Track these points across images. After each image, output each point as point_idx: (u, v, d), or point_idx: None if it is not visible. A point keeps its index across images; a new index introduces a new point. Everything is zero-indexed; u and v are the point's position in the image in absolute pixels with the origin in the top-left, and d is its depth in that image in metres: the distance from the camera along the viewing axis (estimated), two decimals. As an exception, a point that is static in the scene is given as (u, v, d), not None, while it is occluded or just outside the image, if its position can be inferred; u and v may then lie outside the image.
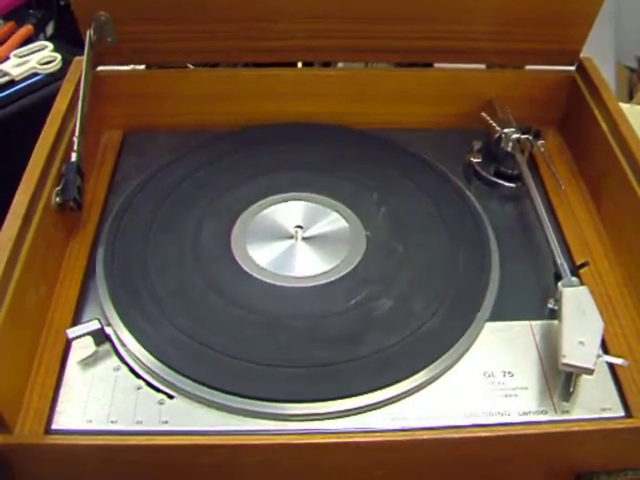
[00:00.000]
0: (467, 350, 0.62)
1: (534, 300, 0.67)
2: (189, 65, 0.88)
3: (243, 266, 0.68)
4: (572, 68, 0.85)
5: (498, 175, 0.78)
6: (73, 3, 0.76)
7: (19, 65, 1.00)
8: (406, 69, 0.87)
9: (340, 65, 0.94)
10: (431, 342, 0.62)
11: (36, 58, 1.02)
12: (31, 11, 1.33)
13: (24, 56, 1.02)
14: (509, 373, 0.61)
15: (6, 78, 0.98)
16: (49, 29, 1.31)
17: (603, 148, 0.75)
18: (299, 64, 0.92)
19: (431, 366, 0.60)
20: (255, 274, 0.68)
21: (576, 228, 0.75)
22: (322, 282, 0.67)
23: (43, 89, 0.97)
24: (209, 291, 0.66)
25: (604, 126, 0.76)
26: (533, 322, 0.65)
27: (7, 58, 1.01)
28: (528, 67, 0.86)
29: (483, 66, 0.87)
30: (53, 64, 1.01)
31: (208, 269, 0.68)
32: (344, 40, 0.82)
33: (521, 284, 0.68)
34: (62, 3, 1.34)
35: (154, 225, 0.72)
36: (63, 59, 1.01)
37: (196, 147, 0.81)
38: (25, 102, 0.96)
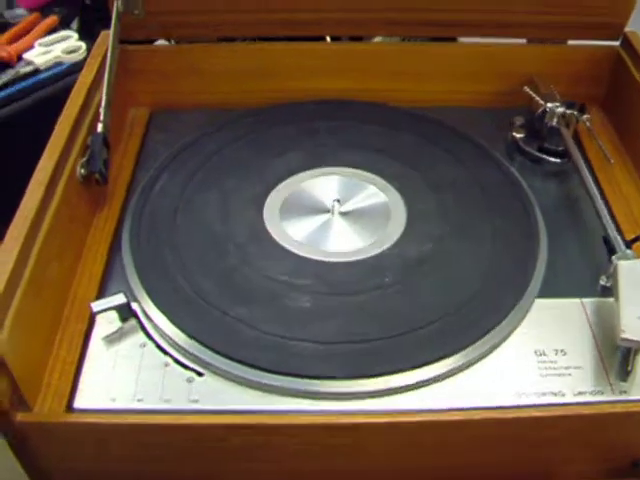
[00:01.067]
0: (517, 327, 0.59)
1: (584, 277, 0.63)
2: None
3: (277, 239, 0.65)
4: (616, 43, 0.81)
5: (542, 151, 0.74)
6: (100, -28, 0.73)
7: (44, 54, 0.98)
8: (443, 44, 0.84)
9: (374, 40, 0.90)
10: (479, 318, 0.58)
11: (61, 47, 1.00)
12: (55, 9, 1.32)
13: (49, 45, 1.00)
14: (562, 351, 0.57)
15: (31, 67, 0.96)
16: (74, 26, 1.30)
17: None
18: (327, 38, 0.88)
19: (479, 342, 0.57)
20: (290, 248, 0.64)
21: (624, 204, 0.71)
22: (360, 257, 0.64)
23: (68, 77, 0.95)
24: (241, 265, 0.62)
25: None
26: (585, 299, 0.61)
27: (32, 47, 0.99)
28: (570, 42, 0.82)
29: (523, 41, 0.83)
30: (78, 53, 0.99)
31: (240, 243, 0.64)
32: (376, 13, 0.79)
33: (570, 260, 0.65)
34: (87, 2, 1.33)
35: (183, 199, 0.68)
36: (88, 49, 0.99)
37: (226, 122, 0.77)
38: (49, 90, 0.93)
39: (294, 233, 0.66)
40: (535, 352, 0.57)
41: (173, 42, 0.85)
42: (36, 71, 0.95)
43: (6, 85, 0.92)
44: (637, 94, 0.76)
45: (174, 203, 0.68)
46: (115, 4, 0.73)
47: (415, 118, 0.79)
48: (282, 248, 0.64)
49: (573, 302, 0.61)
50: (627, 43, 0.80)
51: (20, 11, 1.10)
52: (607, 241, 0.63)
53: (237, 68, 0.81)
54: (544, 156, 0.74)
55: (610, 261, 0.61)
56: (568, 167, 0.73)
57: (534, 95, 0.76)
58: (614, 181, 0.74)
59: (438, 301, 0.60)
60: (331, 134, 0.77)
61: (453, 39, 0.87)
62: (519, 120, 0.77)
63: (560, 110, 0.74)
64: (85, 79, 0.70)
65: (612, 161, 0.73)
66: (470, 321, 0.58)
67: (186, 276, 0.61)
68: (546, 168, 0.74)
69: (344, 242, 0.66)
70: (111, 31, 0.73)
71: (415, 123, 0.78)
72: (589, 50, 0.82)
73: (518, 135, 0.75)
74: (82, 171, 0.64)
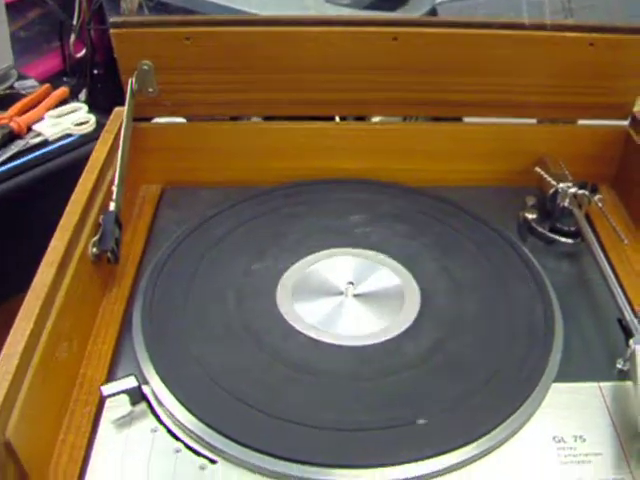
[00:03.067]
0: (533, 413, 0.57)
1: (601, 360, 0.62)
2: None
3: (291, 323, 0.64)
4: (625, 123, 0.82)
5: (554, 231, 0.74)
6: (117, 52, 0.74)
7: (53, 126, 0.99)
8: (453, 123, 0.84)
9: (376, 119, 0.91)
10: (494, 405, 0.57)
11: (70, 119, 1.00)
12: (65, 79, 1.34)
13: (58, 117, 1.01)
14: (580, 437, 0.56)
15: (40, 138, 0.97)
16: (81, 96, 1.32)
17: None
18: (337, 118, 0.89)
19: (495, 431, 0.55)
20: (304, 331, 0.63)
21: (638, 285, 0.70)
22: (375, 341, 0.63)
23: (76, 150, 0.96)
24: (255, 349, 0.61)
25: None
26: (602, 383, 0.60)
27: (42, 118, 1.00)
28: (580, 122, 0.82)
29: (533, 120, 0.84)
30: (87, 125, 1.00)
31: (253, 326, 0.63)
32: (385, 93, 0.80)
33: (586, 343, 0.64)
34: (95, 72, 1.35)
35: (195, 280, 0.67)
36: (97, 121, 1.00)
37: (238, 202, 0.77)
38: (58, 162, 0.94)
39: (307, 316, 0.65)
40: (554, 438, 0.56)
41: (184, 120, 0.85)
42: (45, 142, 0.96)
43: (16, 156, 0.92)
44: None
45: (186, 284, 0.67)
46: (130, 82, 0.74)
47: (429, 199, 0.79)
48: (295, 331, 0.63)
49: (590, 386, 0.59)
50: (636, 122, 0.80)
51: (30, 82, 1.11)
52: (622, 323, 0.63)
53: (249, 146, 0.81)
54: (557, 237, 0.73)
55: (627, 344, 0.60)
56: (581, 247, 0.73)
57: (545, 175, 0.76)
58: (627, 261, 0.73)
59: (451, 388, 0.58)
60: (343, 213, 0.76)
61: (458, 119, 0.87)
62: (531, 200, 0.76)
63: (572, 191, 0.74)
64: (98, 156, 0.70)
65: (626, 241, 0.72)
66: (485, 409, 0.57)
67: (198, 360, 0.60)
68: (559, 248, 0.74)
69: (358, 325, 0.65)
70: (125, 110, 0.73)
71: (430, 204, 0.78)
72: (599, 130, 0.82)
73: (530, 216, 0.75)
74: (94, 250, 0.64)
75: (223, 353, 0.61)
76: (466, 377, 0.59)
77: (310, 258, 0.71)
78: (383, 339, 0.63)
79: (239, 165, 0.81)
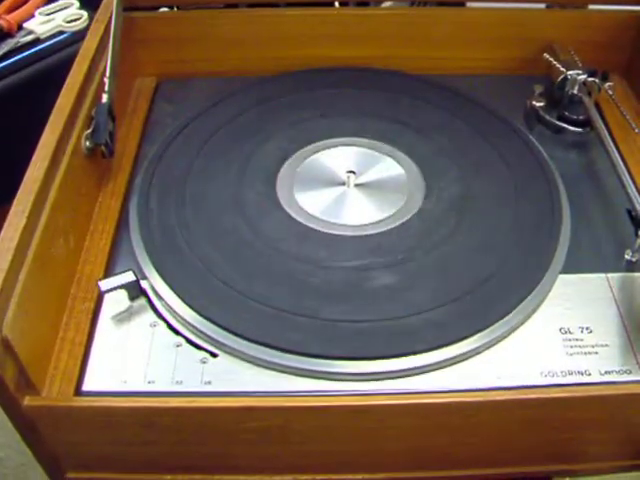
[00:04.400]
0: (540, 304, 0.56)
1: (609, 252, 0.61)
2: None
3: (291, 212, 0.63)
4: (639, 8, 0.78)
5: (563, 120, 0.71)
6: None
7: (44, 23, 0.95)
8: (457, 8, 0.81)
9: (387, 4, 0.87)
10: (501, 295, 0.56)
11: (62, 16, 0.96)
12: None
13: (49, 14, 0.97)
14: (587, 329, 0.55)
15: (31, 36, 0.93)
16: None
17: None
18: (336, 4, 0.85)
19: (502, 320, 0.54)
20: (304, 221, 0.62)
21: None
22: (377, 231, 0.61)
23: (69, 47, 0.92)
24: (254, 239, 0.60)
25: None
26: (610, 274, 0.59)
27: (32, 16, 0.96)
28: (591, 7, 0.79)
29: (542, 5, 0.80)
30: (79, 22, 0.95)
31: (252, 216, 0.62)
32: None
33: (594, 234, 0.62)
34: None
35: (192, 171, 0.66)
36: (89, 17, 0.96)
37: (236, 92, 0.75)
38: (51, 61, 0.91)
39: (308, 206, 0.63)
40: (560, 330, 0.55)
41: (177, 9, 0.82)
42: (37, 40, 0.92)
43: (6, 55, 0.89)
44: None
45: (182, 177, 0.65)
46: (118, -31, 0.70)
47: (433, 87, 0.76)
48: (297, 222, 0.62)
49: (598, 277, 0.59)
50: (651, 7, 0.77)
51: (19, -22, 1.06)
52: (632, 214, 0.61)
53: (245, 35, 0.78)
54: (565, 125, 0.71)
55: (636, 235, 0.59)
56: (589, 137, 0.71)
57: (554, 62, 0.73)
58: (637, 150, 0.71)
59: (459, 278, 0.57)
60: (345, 102, 0.74)
61: (462, 4, 0.83)
62: (538, 88, 0.74)
63: (581, 78, 0.71)
64: (88, 46, 0.67)
65: (637, 130, 0.70)
66: (491, 299, 0.56)
67: (197, 252, 0.59)
68: (567, 137, 0.71)
69: (360, 215, 0.63)
70: (114, -1, 0.70)
71: (434, 92, 0.75)
72: (611, 15, 0.78)
73: (538, 104, 0.72)
74: (87, 143, 0.62)
75: (222, 247, 0.59)
76: (472, 269, 0.58)
77: (311, 147, 0.69)
78: (388, 227, 0.62)
79: (236, 55, 0.78)
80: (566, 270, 0.59)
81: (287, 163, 0.67)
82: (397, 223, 0.62)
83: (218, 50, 0.78)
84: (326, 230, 0.61)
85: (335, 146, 0.69)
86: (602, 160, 0.68)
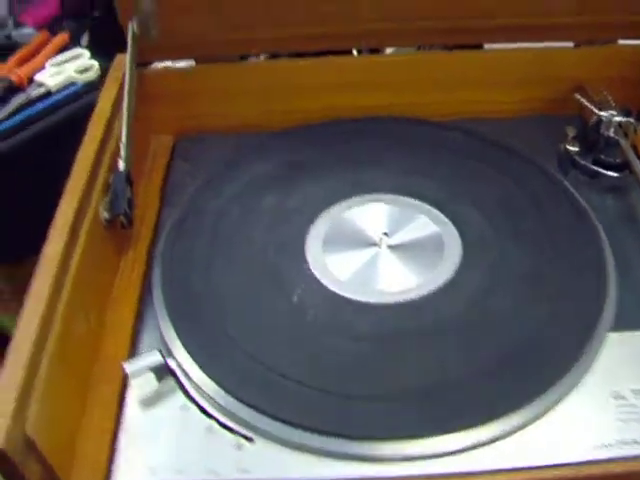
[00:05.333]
0: (589, 368, 0.53)
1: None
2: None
3: (322, 280, 0.59)
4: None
5: (598, 164, 0.68)
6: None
7: (55, 75, 0.93)
8: (482, 51, 0.78)
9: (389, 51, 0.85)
10: (545, 362, 0.53)
11: (73, 66, 0.94)
12: (64, 24, 1.26)
13: (60, 65, 0.95)
14: (641, 393, 0.51)
15: (42, 89, 0.91)
16: (83, 42, 1.25)
17: None
18: (354, 52, 0.82)
19: (548, 391, 0.51)
20: (337, 290, 0.58)
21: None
22: (415, 297, 0.58)
23: (82, 99, 0.90)
24: (286, 312, 0.57)
25: None
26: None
27: (42, 68, 0.94)
28: (621, 42, 0.76)
29: (570, 44, 0.77)
30: (91, 72, 0.93)
31: (283, 286, 0.59)
32: (398, 22, 0.73)
33: (640, 287, 0.59)
34: (96, 14, 1.28)
35: (216, 238, 0.63)
36: (101, 67, 0.94)
37: (255, 148, 0.72)
38: (63, 113, 0.88)
39: (339, 272, 0.60)
40: (613, 395, 0.51)
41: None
42: (48, 93, 0.90)
43: (18, 110, 0.87)
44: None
45: (206, 242, 0.62)
46: (130, 27, 0.68)
47: (462, 134, 0.73)
48: (327, 290, 0.59)
49: (650, 334, 0.55)
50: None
51: (28, 30, 1.05)
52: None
53: (261, 87, 0.75)
54: (601, 170, 0.68)
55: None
56: (628, 181, 0.67)
57: (586, 103, 0.71)
58: None
59: (501, 345, 0.54)
60: (372, 156, 0.71)
61: (480, 46, 0.80)
62: (571, 131, 0.71)
63: (617, 119, 0.68)
64: (103, 107, 0.65)
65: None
66: (536, 367, 0.52)
67: (226, 327, 0.55)
68: (604, 182, 0.68)
69: (396, 280, 0.60)
70: (127, 54, 0.68)
71: (464, 139, 0.72)
72: (640, 50, 0.75)
73: (572, 148, 0.69)
74: (105, 214, 0.59)
75: (252, 319, 0.56)
76: (515, 334, 0.55)
77: (339, 206, 0.66)
78: (422, 294, 0.58)
79: (250, 108, 0.76)
80: (616, 328, 0.55)
81: (316, 223, 0.64)
82: (432, 289, 0.58)
83: (233, 104, 0.75)
84: (359, 298, 0.58)
85: (365, 203, 0.66)
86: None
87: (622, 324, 0.56)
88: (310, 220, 0.64)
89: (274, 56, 0.78)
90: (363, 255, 0.62)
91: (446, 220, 0.64)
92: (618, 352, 0.54)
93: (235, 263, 0.61)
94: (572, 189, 0.66)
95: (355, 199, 0.66)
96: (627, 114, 0.69)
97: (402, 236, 0.63)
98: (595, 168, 0.68)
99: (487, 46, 0.80)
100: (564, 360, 0.52)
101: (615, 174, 0.68)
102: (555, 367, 0.52)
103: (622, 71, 0.75)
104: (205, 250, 0.61)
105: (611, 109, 0.69)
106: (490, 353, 0.53)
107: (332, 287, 0.59)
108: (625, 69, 0.76)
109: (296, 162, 0.70)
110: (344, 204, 0.66)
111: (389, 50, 0.84)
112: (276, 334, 0.55)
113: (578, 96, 0.71)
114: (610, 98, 0.70)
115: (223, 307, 0.57)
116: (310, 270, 0.60)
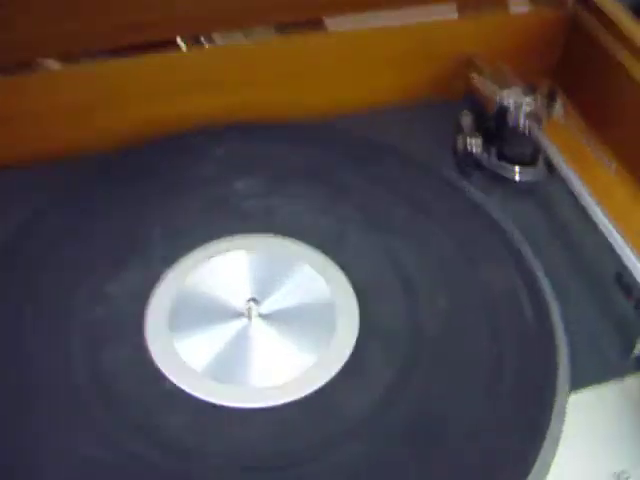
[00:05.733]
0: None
1: (613, 349, 0.45)
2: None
3: (168, 375, 0.41)
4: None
5: (505, 159, 0.55)
6: None
7: None
8: (339, 31, 0.61)
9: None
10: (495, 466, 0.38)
11: None
12: None
13: None
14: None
15: None
16: None
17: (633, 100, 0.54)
18: (181, 44, 0.63)
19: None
20: (189, 390, 0.41)
21: (630, 220, 0.52)
22: (302, 395, 0.41)
23: None
24: (124, 425, 0.39)
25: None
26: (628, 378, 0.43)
27: None
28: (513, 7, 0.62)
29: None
30: None
31: (112, 387, 0.40)
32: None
33: (588, 329, 0.46)
34: None
35: (22, 318, 0.43)
36: None
37: (74, 183, 0.51)
38: None
39: (191, 358, 0.42)
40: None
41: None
42: None
43: None
44: (608, 64, 0.57)
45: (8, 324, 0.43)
46: None
47: (330, 134, 0.56)
48: (178, 389, 0.41)
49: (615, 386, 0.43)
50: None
51: None
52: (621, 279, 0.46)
53: (58, 104, 0.55)
54: (514, 167, 0.54)
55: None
56: (545, 178, 0.54)
57: (481, 82, 0.56)
58: (607, 193, 0.52)
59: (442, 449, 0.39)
60: (220, 181, 0.52)
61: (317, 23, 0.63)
62: (466, 120, 0.56)
63: (527, 101, 0.53)
64: None
65: (613, 166, 0.54)
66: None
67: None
68: (511, 184, 0.54)
69: (271, 368, 0.42)
70: None
71: (332, 142, 0.56)
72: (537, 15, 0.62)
73: (473, 140, 0.55)
74: None
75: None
76: (455, 428, 0.40)
77: (185, 263, 0.47)
78: (312, 390, 0.41)
79: (59, 130, 0.55)
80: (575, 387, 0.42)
81: (158, 291, 0.45)
82: (322, 383, 0.41)
83: (36, 126, 0.55)
84: (222, 402, 0.40)
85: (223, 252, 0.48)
86: (566, 210, 0.52)
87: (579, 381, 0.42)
88: (150, 287, 0.45)
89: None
90: (227, 330, 0.44)
91: (333, 266, 0.47)
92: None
93: (45, 356, 0.41)
94: (480, 198, 0.51)
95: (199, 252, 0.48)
96: (528, 92, 0.55)
97: (277, 299, 0.45)
98: (507, 165, 0.54)
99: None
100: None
101: (528, 170, 0.54)
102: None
103: (514, 41, 0.62)
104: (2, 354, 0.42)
105: (513, 87, 0.55)
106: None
107: (183, 386, 0.40)
108: (519, 38, 0.62)
109: (123, 200, 0.50)
110: (184, 263, 0.47)
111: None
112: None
113: (475, 75, 0.57)
114: (506, 69, 0.57)
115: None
116: (152, 360, 0.42)
